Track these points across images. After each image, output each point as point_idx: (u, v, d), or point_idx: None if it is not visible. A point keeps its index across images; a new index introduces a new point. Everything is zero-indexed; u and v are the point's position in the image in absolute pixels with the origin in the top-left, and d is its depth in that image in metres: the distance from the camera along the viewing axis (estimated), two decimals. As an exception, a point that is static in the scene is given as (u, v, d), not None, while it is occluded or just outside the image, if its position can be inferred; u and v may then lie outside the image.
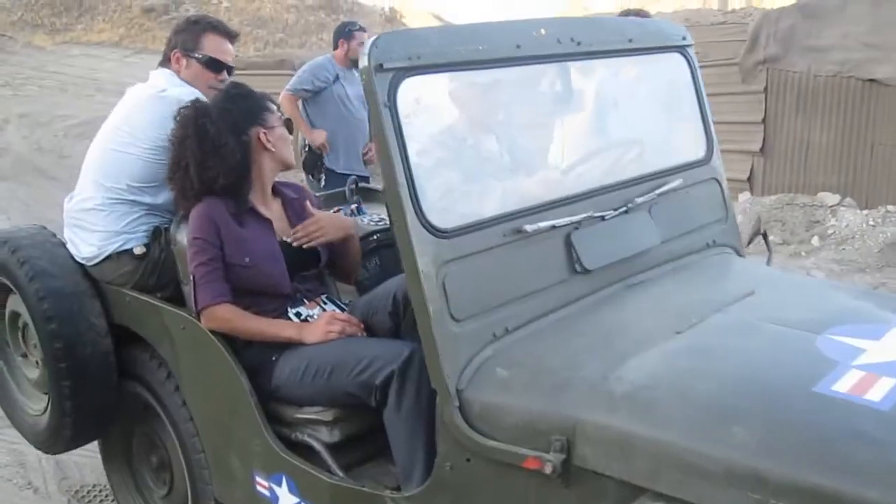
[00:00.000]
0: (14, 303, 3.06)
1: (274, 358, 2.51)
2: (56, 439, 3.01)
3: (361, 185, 3.83)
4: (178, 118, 2.66)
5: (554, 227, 2.27)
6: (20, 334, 3.12)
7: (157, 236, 2.87)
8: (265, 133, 2.62)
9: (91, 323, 2.84)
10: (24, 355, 3.14)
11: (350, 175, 5.32)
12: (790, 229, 7.72)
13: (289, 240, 2.66)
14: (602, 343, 2.15)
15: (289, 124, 2.72)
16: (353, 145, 5.59)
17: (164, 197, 2.88)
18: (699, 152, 2.85)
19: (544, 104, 2.43)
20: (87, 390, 2.86)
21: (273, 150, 2.64)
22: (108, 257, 2.86)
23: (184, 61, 3.00)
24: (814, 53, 8.22)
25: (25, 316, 2.97)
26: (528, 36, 2.29)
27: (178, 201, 2.70)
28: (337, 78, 5.61)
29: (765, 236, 3.17)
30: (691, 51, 2.86)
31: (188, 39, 3.01)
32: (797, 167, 8.39)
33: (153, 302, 2.78)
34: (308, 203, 2.73)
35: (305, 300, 2.65)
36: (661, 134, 2.80)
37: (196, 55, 3.00)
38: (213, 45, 3.02)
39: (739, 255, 2.90)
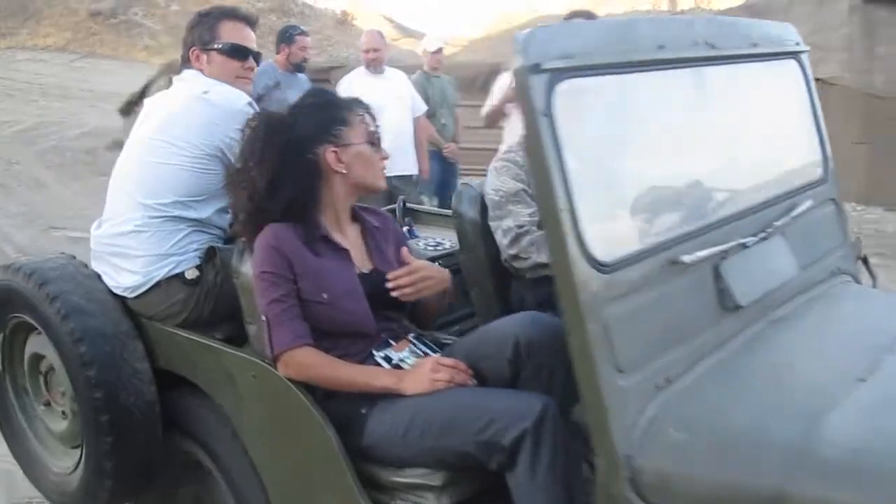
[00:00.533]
0: (37, 344, 2.66)
1: (363, 411, 2.15)
2: (91, 502, 2.60)
3: (409, 205, 3.49)
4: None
5: (707, 257, 1.97)
6: (42, 379, 2.71)
7: (211, 256, 2.51)
8: (335, 152, 2.26)
9: (134, 368, 2.46)
10: (48, 403, 2.73)
11: None
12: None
13: (366, 271, 2.32)
14: (779, 395, 1.84)
15: (374, 137, 2.34)
16: None
17: (210, 210, 2.54)
18: (817, 171, 2.58)
19: (689, 115, 2.12)
20: (131, 446, 2.47)
21: (344, 171, 2.27)
22: (157, 285, 2.48)
23: (204, 57, 2.68)
24: (764, 52, 8.19)
25: (52, 359, 2.58)
26: (670, 35, 2.00)
27: (238, 228, 2.35)
28: (278, 84, 5.51)
29: (865, 261, 2.91)
30: (806, 58, 2.59)
31: (204, 32, 2.69)
32: None
33: (214, 345, 2.40)
34: (405, 249, 2.38)
35: (392, 341, 2.29)
36: (784, 150, 2.52)
37: (216, 46, 2.67)
38: (231, 32, 2.70)
39: (857, 282, 2.64)
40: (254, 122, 2.31)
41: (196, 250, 2.53)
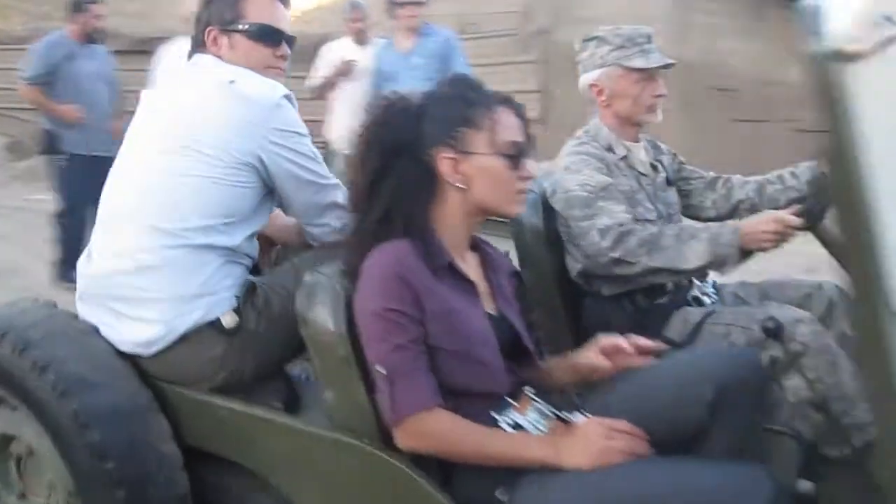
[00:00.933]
0: (7, 422, 1.99)
1: (501, 496, 1.66)
2: None
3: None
4: None
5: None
6: (14, 465, 2.05)
7: (250, 294, 1.95)
8: (453, 160, 1.74)
9: (160, 453, 1.86)
10: (23, 496, 2.07)
11: (94, 156, 4.90)
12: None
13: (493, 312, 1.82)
14: None
15: (515, 149, 1.76)
16: (95, 125, 5.21)
17: (243, 235, 1.98)
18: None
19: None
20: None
21: (462, 186, 1.75)
22: (183, 338, 1.90)
23: (224, 40, 2.08)
24: (584, 24, 8.35)
25: (33, 442, 1.94)
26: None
27: (344, 247, 1.82)
28: (72, 55, 5.30)
29: None
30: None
31: (224, 9, 2.09)
32: (573, 134, 8.49)
33: (279, 419, 1.84)
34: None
35: (510, 400, 1.81)
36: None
37: (240, 27, 2.07)
38: (260, 10, 2.11)
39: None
40: (374, 107, 1.80)
41: (230, 287, 1.95)
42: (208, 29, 2.07)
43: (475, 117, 1.74)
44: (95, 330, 1.95)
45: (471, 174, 1.74)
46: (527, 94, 8.64)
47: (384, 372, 1.65)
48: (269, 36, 2.09)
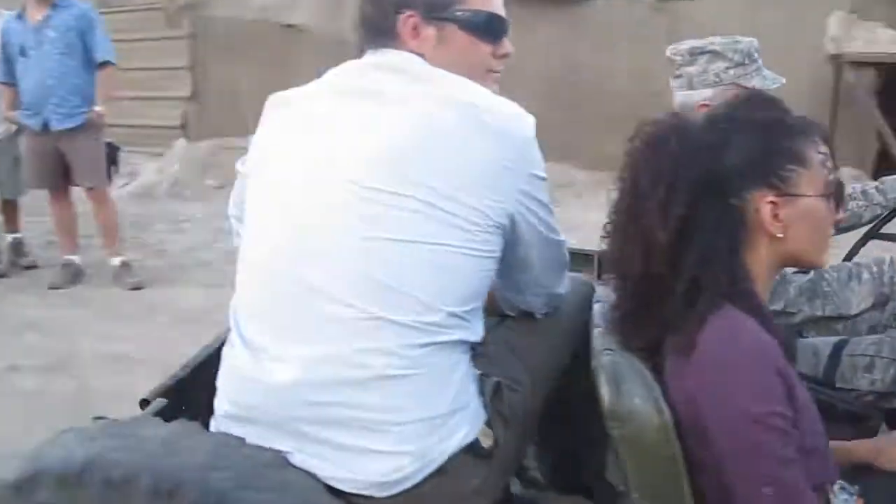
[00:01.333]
0: None
1: None
2: None
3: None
4: None
5: None
6: None
7: (496, 398, 1.43)
8: (774, 203, 1.36)
9: None
10: None
11: None
12: (226, 173, 7.90)
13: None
14: None
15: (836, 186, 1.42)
16: None
17: (482, 323, 1.46)
18: None
19: None
20: None
21: (780, 235, 1.38)
22: (440, 470, 1.32)
23: (430, 31, 1.49)
24: (236, -1, 9.12)
25: None
26: None
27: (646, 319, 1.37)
28: None
29: None
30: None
31: None
32: (228, 111, 8.25)
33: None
34: None
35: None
36: None
37: (457, 14, 1.50)
38: None
39: None
40: (653, 132, 1.35)
41: (476, 394, 1.41)
42: (406, 14, 1.47)
43: (803, 151, 1.38)
44: (286, 461, 1.28)
45: (791, 220, 1.38)
46: (177, 71, 8.64)
47: (769, 494, 1.27)
48: (495, 29, 1.54)
